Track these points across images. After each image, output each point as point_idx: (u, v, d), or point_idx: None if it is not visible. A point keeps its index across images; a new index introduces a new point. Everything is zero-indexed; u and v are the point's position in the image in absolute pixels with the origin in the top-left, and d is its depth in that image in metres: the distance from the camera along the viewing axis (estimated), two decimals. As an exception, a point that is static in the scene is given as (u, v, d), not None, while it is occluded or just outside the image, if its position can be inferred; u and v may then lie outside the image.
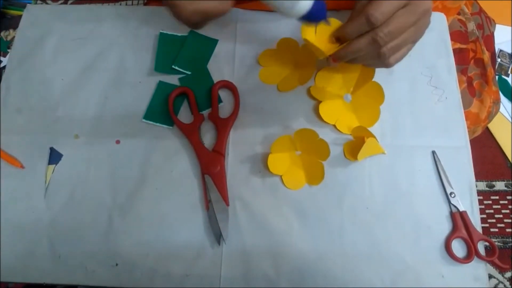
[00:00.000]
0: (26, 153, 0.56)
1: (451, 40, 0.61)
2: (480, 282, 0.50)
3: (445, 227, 0.52)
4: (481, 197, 1.22)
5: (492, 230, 1.20)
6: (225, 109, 0.58)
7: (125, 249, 0.51)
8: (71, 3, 1.53)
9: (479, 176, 1.23)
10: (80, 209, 0.53)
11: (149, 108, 0.58)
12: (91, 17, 0.64)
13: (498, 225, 1.20)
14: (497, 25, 0.91)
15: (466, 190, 0.53)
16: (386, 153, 0.55)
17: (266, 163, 0.53)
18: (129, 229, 0.52)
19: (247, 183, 0.54)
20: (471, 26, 0.77)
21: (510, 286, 1.14)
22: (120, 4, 1.48)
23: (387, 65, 0.46)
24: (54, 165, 0.55)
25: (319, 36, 0.48)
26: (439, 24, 0.62)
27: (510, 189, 1.24)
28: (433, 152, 0.55)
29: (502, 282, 1.14)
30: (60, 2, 1.53)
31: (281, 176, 0.54)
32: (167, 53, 0.61)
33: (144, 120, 0.57)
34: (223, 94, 0.59)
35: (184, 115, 0.58)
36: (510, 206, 1.22)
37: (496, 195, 1.24)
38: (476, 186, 0.54)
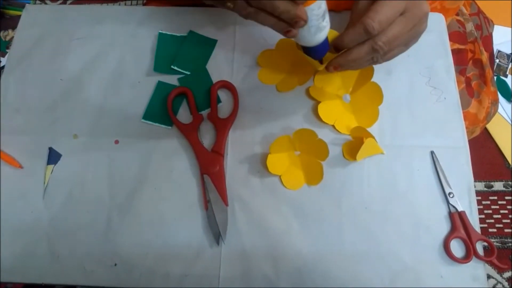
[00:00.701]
0: (25, 153, 0.56)
1: (449, 41, 0.62)
2: (479, 282, 0.50)
3: (444, 227, 0.52)
4: (479, 198, 1.22)
5: (490, 230, 1.20)
6: (224, 109, 0.58)
7: (124, 249, 0.51)
8: (70, 3, 1.53)
9: (477, 177, 1.23)
10: (79, 209, 0.53)
11: (148, 108, 0.58)
12: (90, 17, 0.64)
13: (497, 225, 1.20)
14: (495, 26, 0.91)
15: (465, 190, 0.53)
16: (385, 153, 0.55)
17: (265, 163, 0.53)
18: (128, 229, 0.52)
19: (246, 183, 0.54)
20: (470, 26, 0.77)
21: (508, 286, 1.14)
22: (119, 4, 1.48)
23: (376, 64, 0.48)
24: (53, 165, 0.55)
25: None
26: (437, 25, 0.62)
27: (509, 190, 1.24)
28: (432, 152, 0.55)
29: (500, 282, 1.14)
30: (59, 2, 1.53)
31: (280, 176, 0.54)
32: (166, 53, 0.61)
33: (143, 120, 0.57)
34: (222, 94, 0.59)
35: (183, 115, 0.58)
36: (508, 207, 1.22)
37: (495, 196, 1.24)
38: (475, 187, 0.54)
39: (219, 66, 0.61)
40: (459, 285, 0.50)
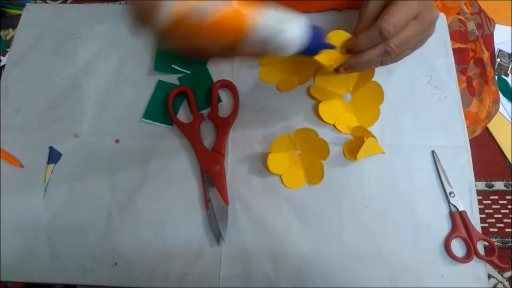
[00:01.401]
0: (26, 152, 0.56)
1: (450, 40, 0.61)
2: (480, 282, 0.50)
3: (445, 226, 0.52)
4: (480, 197, 1.22)
5: (491, 230, 1.20)
6: (224, 108, 0.58)
7: (124, 248, 0.51)
8: (70, 3, 1.52)
9: (478, 176, 1.23)
10: (79, 208, 0.53)
11: (148, 107, 0.58)
12: (90, 16, 0.64)
13: (498, 225, 1.20)
14: (496, 25, 0.91)
15: (466, 190, 0.53)
16: (385, 152, 0.55)
17: (266, 163, 0.53)
18: (128, 228, 0.52)
19: (247, 183, 0.54)
20: (471, 25, 0.77)
21: (509, 286, 1.14)
22: (120, 4, 1.48)
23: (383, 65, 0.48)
24: (53, 165, 0.55)
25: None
26: (439, 24, 0.61)
27: (509, 189, 1.24)
28: (433, 152, 0.55)
29: (501, 282, 1.14)
30: (59, 1, 1.52)
31: (280, 175, 0.54)
32: (167, 52, 0.61)
33: (143, 120, 0.57)
34: (223, 93, 0.59)
35: (184, 114, 0.58)
36: (509, 206, 1.22)
37: (496, 195, 1.24)
38: (476, 186, 0.54)
39: (220, 65, 0.60)
40: (460, 284, 0.49)
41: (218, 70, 0.60)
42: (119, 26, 0.63)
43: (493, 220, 1.21)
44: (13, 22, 1.46)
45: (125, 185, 0.54)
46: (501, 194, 1.24)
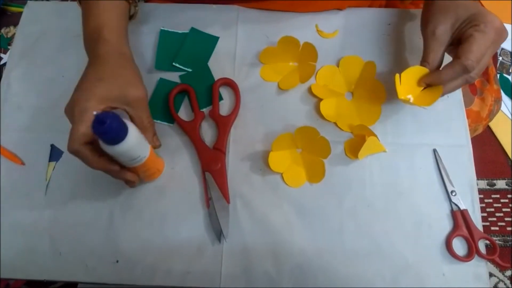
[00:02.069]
0: (27, 150, 0.56)
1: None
2: (481, 280, 0.49)
3: (446, 225, 0.52)
4: (481, 196, 1.22)
5: (492, 228, 1.19)
6: (225, 106, 0.58)
7: (126, 246, 0.51)
8: (72, 0, 1.52)
9: (480, 175, 1.22)
10: (81, 206, 0.53)
11: (149, 105, 0.57)
12: (92, 14, 0.64)
13: (499, 223, 1.20)
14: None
15: (467, 189, 0.53)
16: (387, 151, 0.55)
17: (267, 161, 0.53)
18: (130, 226, 0.52)
19: (248, 181, 0.54)
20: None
21: (510, 285, 1.14)
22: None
23: None
24: (55, 162, 0.55)
25: (405, 81, 0.51)
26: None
27: (511, 188, 1.24)
28: (434, 151, 0.55)
29: (502, 281, 1.14)
30: (60, -1, 1.52)
31: (281, 174, 0.54)
32: (168, 50, 0.61)
33: (144, 118, 0.57)
34: (224, 91, 0.59)
35: (185, 112, 0.58)
36: (510, 205, 1.22)
37: (497, 194, 1.24)
38: (477, 185, 0.54)
39: (221, 64, 0.60)
40: (461, 283, 0.49)
41: (220, 68, 0.60)
42: (121, 24, 0.63)
43: (495, 219, 1.20)
44: (15, 20, 1.46)
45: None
46: (502, 192, 1.24)
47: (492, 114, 0.75)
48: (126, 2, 0.54)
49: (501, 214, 1.21)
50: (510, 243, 1.17)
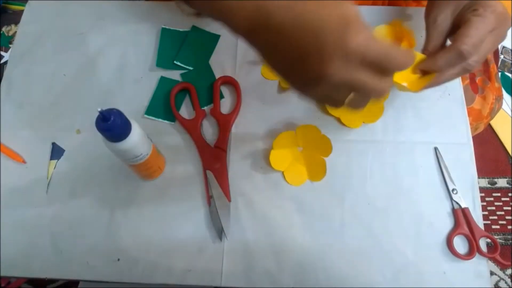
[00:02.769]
0: (28, 148, 0.56)
1: (454, 36, 0.61)
2: (482, 278, 0.49)
3: (447, 223, 0.52)
4: (482, 194, 1.22)
5: (493, 227, 1.20)
6: (227, 104, 0.58)
7: (127, 244, 0.51)
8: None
9: (481, 173, 1.22)
10: (82, 204, 0.53)
11: (150, 103, 0.58)
12: (93, 12, 0.64)
13: (500, 222, 1.20)
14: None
15: (468, 187, 0.53)
16: (387, 150, 0.55)
17: (268, 159, 0.53)
18: (131, 224, 0.52)
19: (249, 179, 0.54)
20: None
21: (511, 283, 1.14)
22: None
23: None
24: (56, 160, 0.55)
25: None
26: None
27: (512, 186, 1.24)
28: (436, 149, 0.55)
29: (503, 279, 1.14)
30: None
31: (283, 172, 0.54)
32: (169, 48, 0.61)
33: (145, 116, 0.57)
34: (225, 89, 0.59)
35: (186, 110, 0.58)
36: (511, 203, 1.22)
37: (498, 192, 1.24)
38: (478, 183, 0.54)
39: (222, 62, 0.60)
40: (462, 281, 0.49)
41: (221, 67, 0.60)
42: (122, 22, 0.63)
43: (496, 217, 1.21)
44: (16, 18, 1.46)
45: (128, 181, 0.54)
46: (503, 191, 1.24)
47: (493, 112, 0.75)
48: None
49: (502, 213, 1.21)
50: (511, 241, 1.17)
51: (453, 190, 0.53)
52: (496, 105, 0.75)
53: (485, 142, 1.27)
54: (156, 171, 0.52)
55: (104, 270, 0.50)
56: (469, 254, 0.50)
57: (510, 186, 1.24)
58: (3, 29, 1.45)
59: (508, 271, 1.15)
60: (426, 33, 0.48)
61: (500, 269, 1.15)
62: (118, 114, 0.39)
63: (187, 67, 0.60)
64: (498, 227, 1.20)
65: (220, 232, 0.51)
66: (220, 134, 0.55)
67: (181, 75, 0.60)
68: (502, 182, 1.25)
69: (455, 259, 0.50)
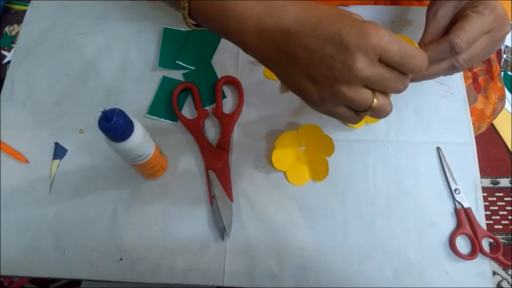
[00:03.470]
0: (31, 148, 0.56)
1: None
2: (484, 279, 0.49)
3: (449, 223, 0.52)
4: (485, 194, 1.22)
5: (496, 227, 1.19)
6: (229, 104, 0.58)
7: (129, 243, 0.51)
8: None
9: (483, 173, 1.21)
10: (85, 204, 0.53)
11: (153, 103, 0.58)
12: (95, 12, 0.64)
13: (502, 222, 1.20)
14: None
15: (471, 187, 0.53)
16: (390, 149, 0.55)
17: (270, 159, 0.53)
18: (133, 223, 0.52)
19: (251, 179, 0.54)
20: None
21: (513, 283, 1.14)
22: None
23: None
24: (58, 160, 0.55)
25: None
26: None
27: (515, 186, 1.23)
28: (438, 148, 0.55)
29: (505, 279, 1.14)
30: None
31: (285, 172, 0.54)
32: (171, 48, 0.61)
33: (148, 116, 0.57)
34: (227, 89, 0.59)
35: (188, 110, 0.58)
36: (514, 203, 1.22)
37: (501, 192, 1.23)
38: (481, 183, 0.54)
39: (224, 62, 0.60)
40: (464, 281, 0.49)
41: (223, 67, 0.60)
42: (124, 22, 0.63)
43: (498, 217, 1.20)
44: (18, 18, 1.46)
45: (130, 180, 0.54)
46: (506, 191, 1.23)
47: (496, 112, 0.75)
48: None
49: (505, 213, 1.21)
50: (513, 241, 1.17)
51: (455, 190, 0.53)
52: (499, 104, 0.75)
53: (488, 141, 1.27)
54: (158, 171, 0.53)
55: (106, 270, 0.50)
56: (472, 254, 0.50)
57: (513, 186, 1.23)
58: (6, 29, 1.45)
59: (511, 271, 1.15)
60: (425, 26, 0.48)
61: (503, 269, 1.15)
62: (121, 114, 0.39)
63: (189, 67, 0.60)
64: (500, 227, 1.19)
65: (222, 232, 0.51)
66: (222, 134, 0.55)
67: (184, 75, 0.60)
68: (504, 182, 1.24)
69: (458, 259, 0.50)
